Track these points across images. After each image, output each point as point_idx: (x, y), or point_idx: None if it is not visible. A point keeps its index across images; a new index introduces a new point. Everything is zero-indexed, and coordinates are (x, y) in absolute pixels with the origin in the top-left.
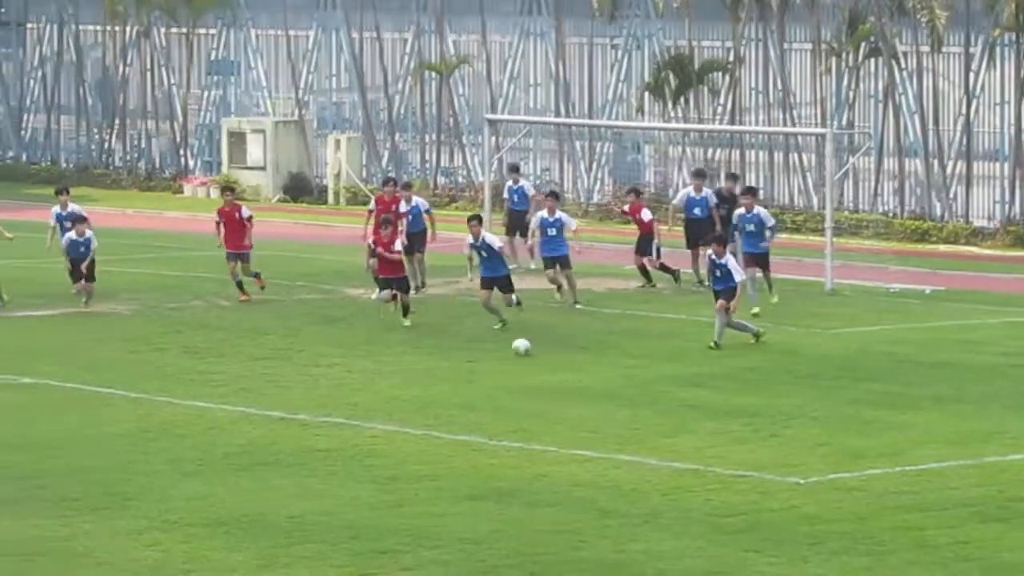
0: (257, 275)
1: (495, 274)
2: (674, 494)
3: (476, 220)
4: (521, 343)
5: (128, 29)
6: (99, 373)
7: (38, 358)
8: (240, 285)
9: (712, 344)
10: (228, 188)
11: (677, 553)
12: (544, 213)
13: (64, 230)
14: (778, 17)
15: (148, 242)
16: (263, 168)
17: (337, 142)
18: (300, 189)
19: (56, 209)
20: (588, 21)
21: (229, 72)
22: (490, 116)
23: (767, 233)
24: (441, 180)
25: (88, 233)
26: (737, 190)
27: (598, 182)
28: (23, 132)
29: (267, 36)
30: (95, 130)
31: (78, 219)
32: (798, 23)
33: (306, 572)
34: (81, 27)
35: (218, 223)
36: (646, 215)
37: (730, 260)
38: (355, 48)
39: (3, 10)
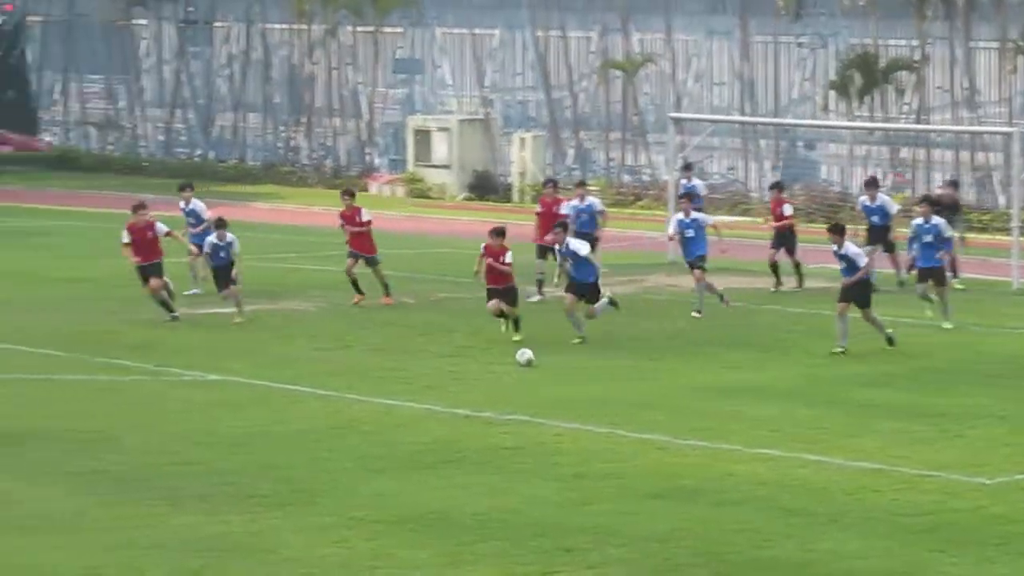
0: (386, 287)
1: (583, 280)
2: (859, 493)
3: (561, 228)
4: (523, 355)
5: (315, 28)
6: (285, 370)
7: (225, 355)
8: (355, 283)
9: (837, 350)
10: (348, 192)
11: (862, 553)
12: (680, 215)
13: (190, 227)
14: (964, 15)
15: (334, 239)
16: (448, 166)
17: (522, 140)
18: (485, 187)
19: (181, 204)
20: (773, 19)
21: (415, 70)
22: (675, 115)
23: (942, 247)
24: (626, 178)
25: (229, 237)
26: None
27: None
28: (211, 130)
29: (452, 35)
30: (282, 128)
31: (219, 223)
32: (984, 21)
33: (491, 570)
34: (268, 26)
35: (342, 225)
36: (788, 210)
37: (849, 248)
38: (540, 47)
39: (192, 9)
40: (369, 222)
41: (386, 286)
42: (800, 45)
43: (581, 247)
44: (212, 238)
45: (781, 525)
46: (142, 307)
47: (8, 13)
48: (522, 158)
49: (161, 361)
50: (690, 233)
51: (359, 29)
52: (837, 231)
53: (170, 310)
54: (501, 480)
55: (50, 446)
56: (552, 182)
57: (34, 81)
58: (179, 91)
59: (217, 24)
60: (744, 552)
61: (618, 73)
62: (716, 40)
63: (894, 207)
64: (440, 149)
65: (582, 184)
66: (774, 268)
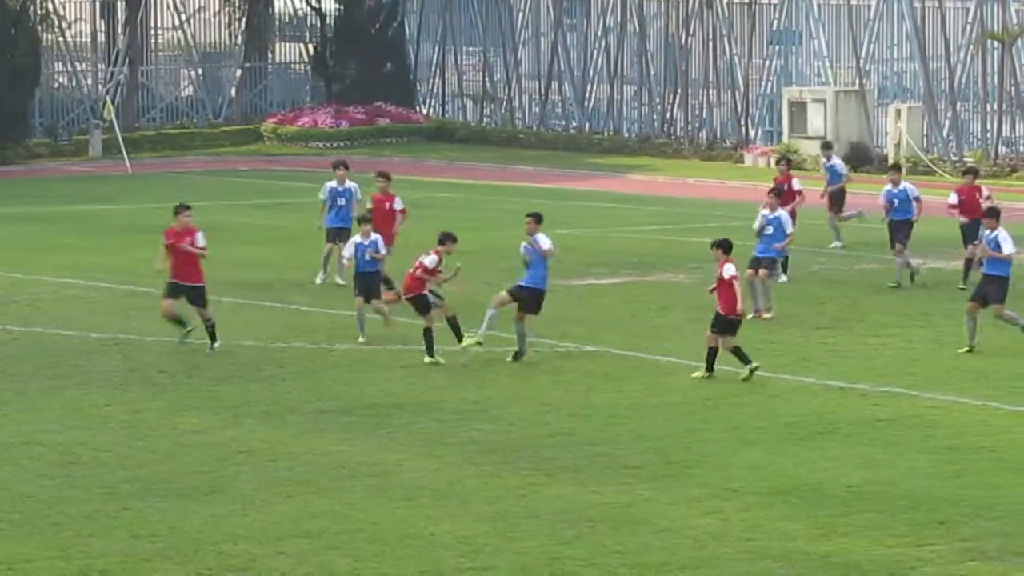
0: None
1: (529, 286)
2: None
3: (531, 218)
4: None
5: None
6: (660, 342)
7: (601, 326)
8: (388, 282)
9: None
10: (382, 175)
11: None
12: (889, 185)
13: (334, 207)
14: None
15: (708, 211)
16: (824, 138)
17: (898, 112)
18: (860, 158)
19: (332, 184)
20: None
21: (790, 41)
22: None
23: None
24: (1002, 150)
25: (374, 236)
26: None
27: None
28: (587, 102)
29: (828, 5)
30: (657, 100)
31: (363, 219)
32: None
33: (864, 542)
34: None
35: (370, 210)
36: None
37: None
38: (917, 17)
39: None
40: (404, 210)
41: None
42: None
43: (544, 242)
44: (357, 236)
45: None
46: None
47: None
48: (898, 129)
49: (537, 332)
50: (896, 204)
51: (735, 0)
52: None
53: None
54: (875, 452)
55: (431, 416)
56: (786, 160)
57: (412, 53)
58: (555, 63)
59: None
60: None
61: (995, 43)
62: None
63: None
64: (815, 120)
65: (897, 168)
66: None
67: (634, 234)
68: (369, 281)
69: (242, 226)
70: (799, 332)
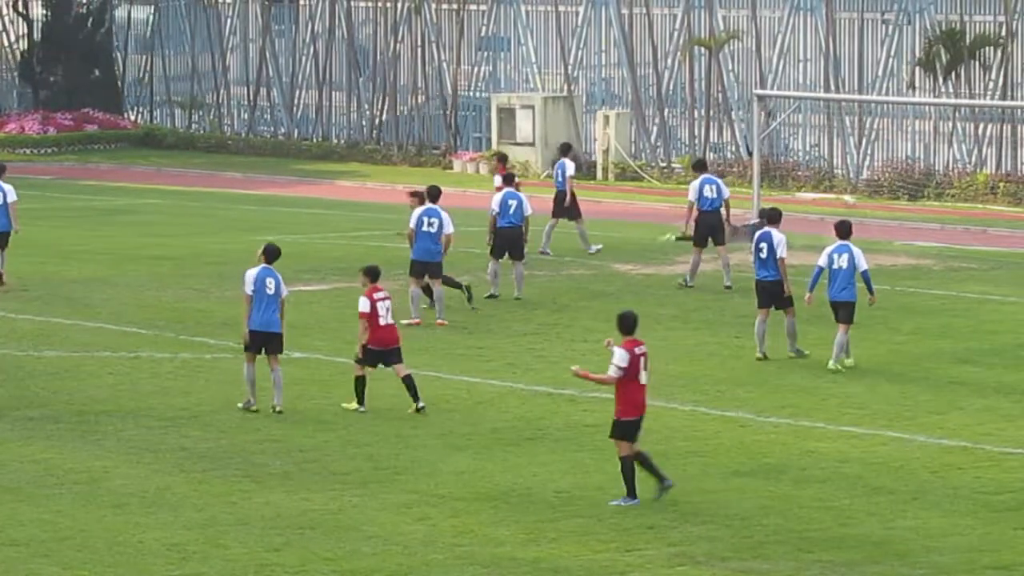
0: None
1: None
2: (943, 471)
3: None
4: None
5: (399, 5)
6: None
7: (309, 333)
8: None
9: None
10: None
11: (944, 531)
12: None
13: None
14: None
15: None
16: (532, 144)
17: (606, 118)
18: None
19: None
20: None
21: (499, 48)
22: (759, 92)
23: None
24: (710, 156)
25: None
26: None
27: (867, 158)
28: (295, 108)
29: (537, 12)
30: (366, 106)
31: None
32: None
33: (572, 547)
34: (352, 3)
35: None
36: None
37: None
38: (625, 24)
39: None
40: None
41: None
42: (885, 22)
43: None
44: None
45: (863, 503)
46: (226, 284)
47: None
48: (606, 135)
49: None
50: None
51: (444, 7)
52: None
53: None
54: (583, 457)
55: (140, 423)
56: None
57: (120, 60)
58: (264, 69)
59: (301, 2)
60: (826, 529)
61: (703, 50)
62: (801, 16)
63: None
64: (524, 126)
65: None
66: None
67: (343, 240)
68: None
69: None
70: (506, 337)
